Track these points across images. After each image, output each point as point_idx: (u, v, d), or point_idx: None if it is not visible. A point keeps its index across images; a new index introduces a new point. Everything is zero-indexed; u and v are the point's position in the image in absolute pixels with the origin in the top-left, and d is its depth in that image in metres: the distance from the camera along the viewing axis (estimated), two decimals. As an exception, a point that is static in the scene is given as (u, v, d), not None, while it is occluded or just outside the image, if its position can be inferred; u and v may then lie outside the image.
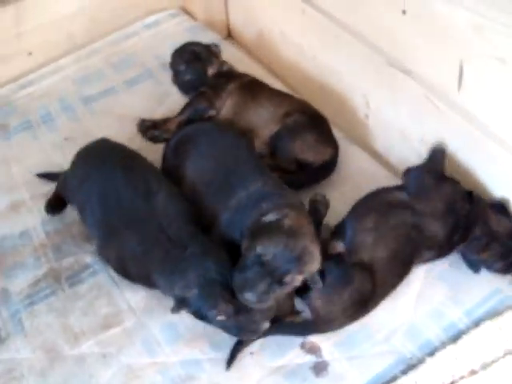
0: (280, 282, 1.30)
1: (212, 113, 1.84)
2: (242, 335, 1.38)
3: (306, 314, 1.41)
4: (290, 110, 1.75)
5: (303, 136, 1.69)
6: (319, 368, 1.37)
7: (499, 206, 1.47)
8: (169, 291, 1.42)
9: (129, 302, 1.53)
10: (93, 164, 1.61)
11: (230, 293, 1.34)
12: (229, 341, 1.42)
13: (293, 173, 1.71)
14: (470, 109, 1.44)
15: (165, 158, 1.72)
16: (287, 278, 1.30)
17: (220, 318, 1.35)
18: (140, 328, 1.47)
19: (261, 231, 1.34)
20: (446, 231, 1.43)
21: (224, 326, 1.38)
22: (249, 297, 1.30)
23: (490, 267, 1.47)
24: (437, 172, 1.50)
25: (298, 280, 1.33)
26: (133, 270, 1.50)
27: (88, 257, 1.62)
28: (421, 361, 1.36)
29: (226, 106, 1.83)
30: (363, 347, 1.40)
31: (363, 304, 1.39)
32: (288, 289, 1.34)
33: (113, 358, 1.43)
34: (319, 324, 1.40)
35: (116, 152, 1.65)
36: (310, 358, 1.39)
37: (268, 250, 1.30)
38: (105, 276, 1.58)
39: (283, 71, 2.13)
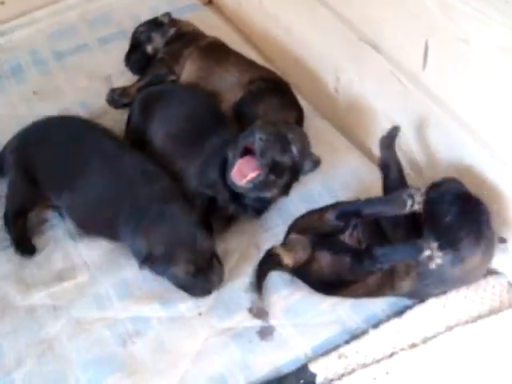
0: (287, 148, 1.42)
1: (172, 78, 1.86)
2: (197, 294, 1.43)
3: None
4: (254, 76, 1.77)
5: (267, 101, 1.71)
6: (265, 332, 1.40)
7: None
8: (132, 244, 1.45)
9: (84, 257, 1.54)
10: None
11: (193, 254, 1.39)
12: (178, 301, 1.45)
13: None
14: (432, 87, 1.45)
15: (132, 114, 1.75)
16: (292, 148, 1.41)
17: (180, 275, 1.40)
18: (92, 283, 1.49)
19: None
20: None
21: (181, 284, 1.43)
22: (263, 140, 1.38)
23: None
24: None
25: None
26: (98, 222, 1.53)
27: (48, 211, 1.63)
28: (365, 332, 1.39)
29: (186, 70, 1.85)
30: (310, 315, 1.43)
31: None
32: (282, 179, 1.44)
33: (63, 310, 1.45)
34: None
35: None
36: (256, 323, 1.42)
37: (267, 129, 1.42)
38: (62, 231, 1.60)
39: (260, 42, 2.12)
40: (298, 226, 1.45)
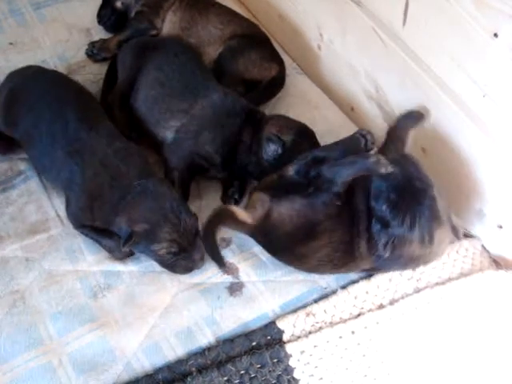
0: None
1: (153, 32, 1.82)
2: (178, 272, 1.41)
3: None
4: (236, 30, 1.73)
5: (246, 55, 1.69)
6: (234, 288, 1.41)
7: None
8: (114, 223, 1.38)
9: (57, 210, 1.54)
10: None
11: (177, 232, 1.35)
12: (150, 256, 1.45)
13: (242, 95, 1.66)
14: (411, 44, 1.42)
15: (122, 63, 1.70)
16: None
17: (163, 253, 1.37)
18: (65, 236, 1.49)
19: None
20: None
21: (162, 262, 1.40)
22: None
23: None
24: None
25: None
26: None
27: (22, 163, 1.62)
28: (333, 292, 1.39)
29: (169, 22, 1.81)
30: (280, 273, 1.43)
31: None
32: None
33: (35, 262, 1.45)
34: None
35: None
36: (226, 278, 1.42)
37: None
38: (36, 182, 1.59)
39: (245, -5, 2.07)
40: (261, 186, 1.42)
